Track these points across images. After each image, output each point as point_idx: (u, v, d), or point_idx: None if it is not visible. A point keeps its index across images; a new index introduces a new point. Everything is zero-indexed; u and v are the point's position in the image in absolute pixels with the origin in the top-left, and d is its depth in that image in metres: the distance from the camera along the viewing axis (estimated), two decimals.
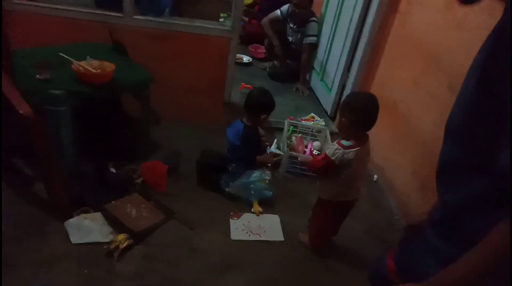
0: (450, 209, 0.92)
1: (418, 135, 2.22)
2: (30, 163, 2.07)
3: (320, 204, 1.90)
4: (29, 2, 2.43)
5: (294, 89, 3.85)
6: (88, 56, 2.11)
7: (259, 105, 2.31)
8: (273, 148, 2.73)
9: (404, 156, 2.37)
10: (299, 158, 2.59)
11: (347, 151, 1.64)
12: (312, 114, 3.29)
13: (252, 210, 2.23)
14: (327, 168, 1.68)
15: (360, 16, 2.91)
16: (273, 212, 2.25)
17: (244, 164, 2.36)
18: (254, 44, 4.54)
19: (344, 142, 1.66)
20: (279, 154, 2.67)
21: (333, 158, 1.65)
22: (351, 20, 3.05)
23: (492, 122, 0.78)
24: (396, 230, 2.21)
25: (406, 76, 2.41)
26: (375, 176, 2.68)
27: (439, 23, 2.11)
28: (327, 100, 3.47)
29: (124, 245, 1.81)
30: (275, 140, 2.84)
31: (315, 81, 3.86)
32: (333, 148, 1.67)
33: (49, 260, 1.70)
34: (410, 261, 1.07)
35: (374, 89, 2.82)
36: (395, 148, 2.49)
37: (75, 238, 1.82)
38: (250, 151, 2.40)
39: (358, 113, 1.62)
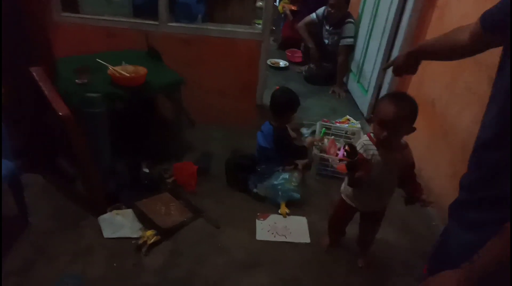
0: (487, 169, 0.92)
1: (457, 134, 2.08)
2: (72, 162, 2.22)
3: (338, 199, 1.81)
4: (75, 14, 2.63)
5: (330, 92, 3.77)
6: (123, 62, 2.23)
7: (282, 104, 2.27)
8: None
9: (442, 157, 2.23)
10: (330, 160, 2.54)
11: (371, 145, 1.52)
12: (348, 116, 3.21)
13: (279, 211, 2.21)
14: (356, 164, 1.47)
15: (396, 13, 2.81)
16: (300, 214, 2.22)
17: (273, 165, 2.34)
18: (291, 49, 4.54)
19: (373, 136, 1.53)
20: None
21: (360, 150, 1.52)
22: (387, 18, 2.95)
23: None
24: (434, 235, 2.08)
25: (444, 73, 2.28)
26: None
27: (476, 13, 1.97)
28: (363, 102, 3.37)
29: (152, 241, 1.88)
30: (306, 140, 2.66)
31: (352, 83, 3.77)
32: (361, 141, 1.56)
33: (82, 252, 1.81)
34: (439, 257, 1.08)
35: (412, 88, 2.70)
36: (432, 148, 2.35)
37: (107, 233, 1.92)
38: (285, 152, 2.33)
39: (415, 116, 1.44)
